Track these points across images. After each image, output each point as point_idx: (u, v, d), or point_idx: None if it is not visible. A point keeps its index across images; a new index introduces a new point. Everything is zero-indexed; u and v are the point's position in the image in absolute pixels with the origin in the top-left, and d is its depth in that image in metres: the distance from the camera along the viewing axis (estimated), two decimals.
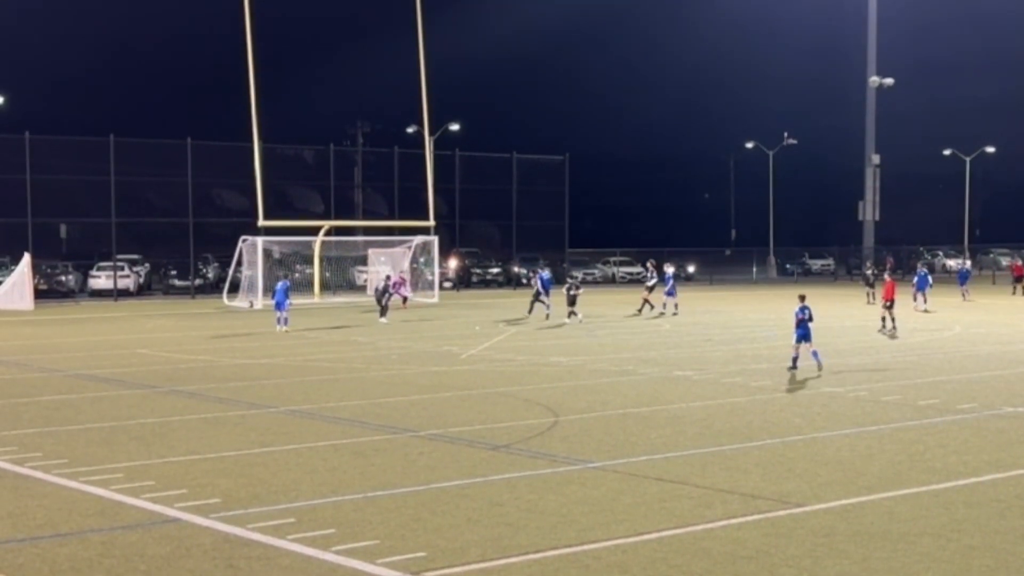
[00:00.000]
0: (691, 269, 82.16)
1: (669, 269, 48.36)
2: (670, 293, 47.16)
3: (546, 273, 47.48)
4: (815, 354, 27.82)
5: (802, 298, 28.23)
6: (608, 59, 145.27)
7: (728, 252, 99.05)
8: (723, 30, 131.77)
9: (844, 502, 14.88)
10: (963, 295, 55.49)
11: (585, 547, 12.87)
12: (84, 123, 76.92)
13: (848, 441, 19.16)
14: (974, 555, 12.61)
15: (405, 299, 52.29)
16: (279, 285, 40.97)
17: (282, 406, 23.07)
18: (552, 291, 46.39)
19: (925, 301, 48.42)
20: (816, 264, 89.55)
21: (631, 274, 78.84)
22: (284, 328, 39.42)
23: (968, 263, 61.97)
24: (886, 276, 44.41)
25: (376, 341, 36.37)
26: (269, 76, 64.68)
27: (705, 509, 14.57)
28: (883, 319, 40.03)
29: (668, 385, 26.02)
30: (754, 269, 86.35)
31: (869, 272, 56.68)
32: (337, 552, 12.65)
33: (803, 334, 27.59)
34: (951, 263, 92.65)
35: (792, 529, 13.63)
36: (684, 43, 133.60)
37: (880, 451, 18.30)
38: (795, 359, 27.88)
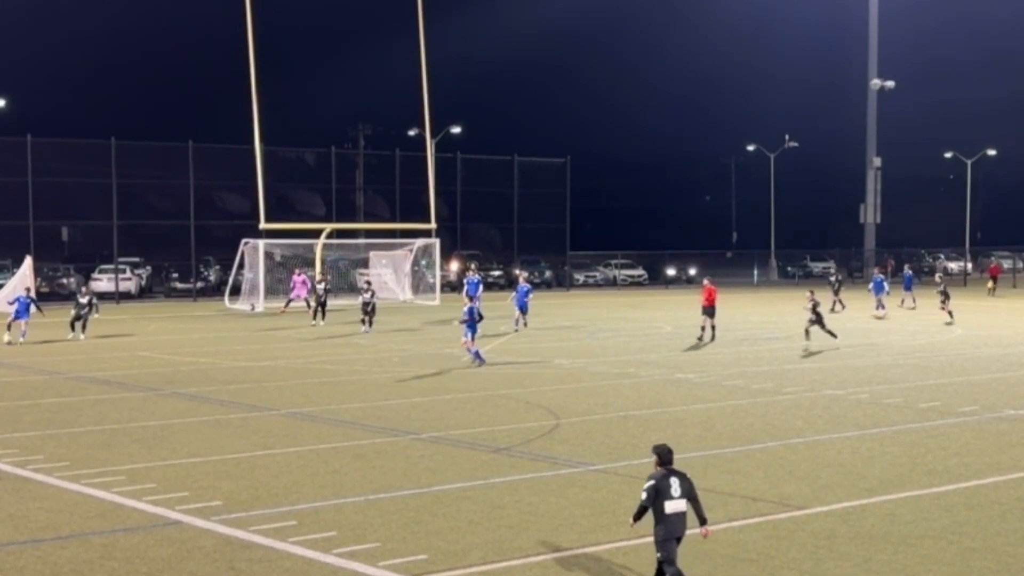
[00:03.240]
0: (692, 271, 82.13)
1: (522, 280, 43.38)
2: (521, 307, 41.86)
3: (476, 277, 46.03)
4: (476, 352, 30.25)
5: (472, 299, 31.62)
6: (609, 62, 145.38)
7: (729, 254, 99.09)
8: (724, 33, 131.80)
9: (845, 505, 14.89)
10: (902, 301, 51.84)
11: (587, 549, 12.88)
12: (86, 125, 76.88)
13: (849, 444, 19.17)
14: (975, 557, 12.62)
15: (289, 302, 50.52)
16: (21, 297, 37.92)
17: (283, 409, 23.08)
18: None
19: (883, 307, 47.25)
20: (817, 266, 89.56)
21: (632, 277, 78.86)
22: (7, 338, 36.37)
23: (910, 270, 58.71)
24: (705, 281, 39.12)
25: (377, 343, 36.39)
26: (270, 78, 64.68)
27: (706, 511, 14.56)
28: (703, 327, 36.72)
29: (669, 387, 26.02)
30: (755, 271, 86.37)
31: (833, 279, 52.74)
32: (338, 554, 12.67)
33: (473, 331, 30.17)
34: (953, 266, 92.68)
35: (793, 532, 13.64)
36: (685, 46, 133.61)
37: (881, 454, 18.31)
38: (476, 353, 30.19)
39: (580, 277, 76.78)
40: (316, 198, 77.66)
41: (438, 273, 60.04)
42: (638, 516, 11.16)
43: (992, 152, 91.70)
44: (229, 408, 23.25)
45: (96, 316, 39.35)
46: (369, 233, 66.12)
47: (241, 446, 19.06)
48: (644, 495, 11.04)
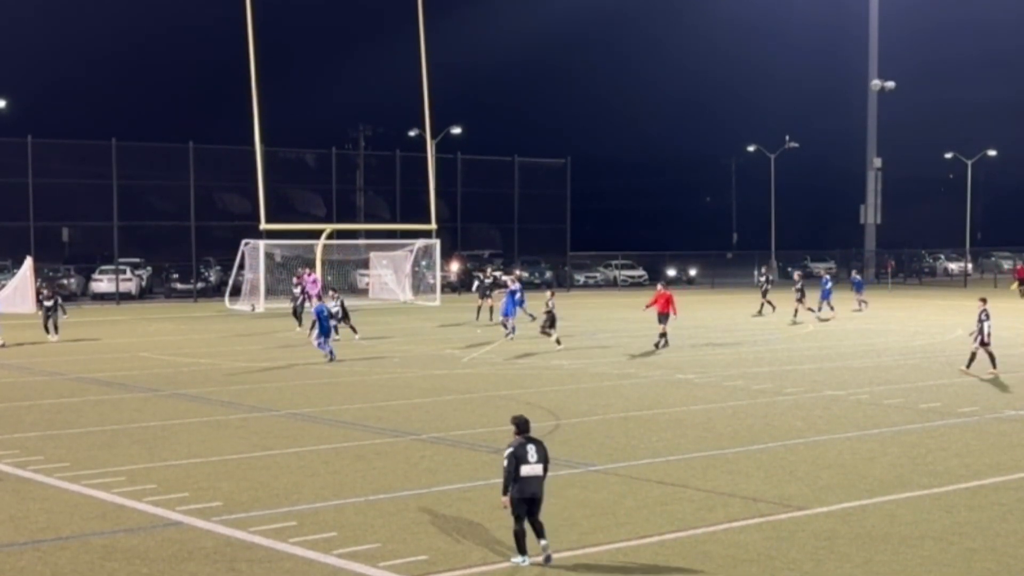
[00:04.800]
0: (692, 272, 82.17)
1: (511, 283, 38.89)
2: (506, 312, 37.68)
3: (517, 284, 41.09)
4: (329, 348, 31.75)
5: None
6: (610, 62, 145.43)
7: (730, 255, 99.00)
8: (725, 33, 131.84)
9: (845, 505, 14.89)
10: (859, 304, 50.59)
11: (587, 550, 12.88)
12: (86, 126, 76.89)
13: (850, 444, 19.17)
14: (976, 558, 12.62)
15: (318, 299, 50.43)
16: None
17: (284, 409, 23.08)
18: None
19: (831, 308, 46.13)
20: (818, 267, 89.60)
21: (632, 277, 78.87)
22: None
23: (858, 274, 57.02)
24: (659, 286, 36.38)
25: (377, 344, 36.38)
26: (271, 79, 64.72)
27: (706, 512, 14.58)
28: (661, 334, 34.56)
29: (669, 388, 26.02)
30: (755, 272, 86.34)
31: (763, 279, 50.42)
32: (339, 555, 12.67)
33: (326, 329, 31.90)
34: (953, 266, 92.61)
35: (793, 532, 13.64)
36: (686, 46, 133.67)
37: (882, 454, 18.31)
38: (321, 346, 31.75)
39: (580, 278, 76.77)
40: (316, 199, 77.65)
41: (438, 274, 60.03)
42: (507, 486, 12.15)
43: (992, 152, 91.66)
44: (229, 409, 23.25)
45: (64, 317, 38.97)
46: (369, 234, 66.14)
47: (241, 447, 19.06)
48: (506, 462, 12.18)
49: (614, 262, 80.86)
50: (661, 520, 14.18)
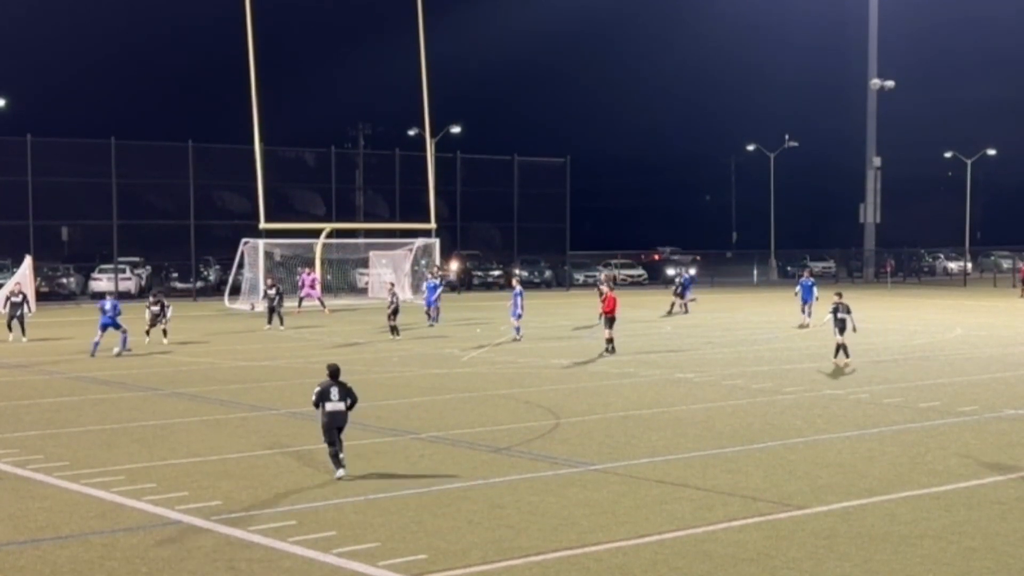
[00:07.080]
0: (692, 271, 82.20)
1: (430, 276, 41.56)
2: (429, 302, 44.02)
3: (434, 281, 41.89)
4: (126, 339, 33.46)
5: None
6: (609, 61, 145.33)
7: (729, 254, 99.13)
8: (724, 32, 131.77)
9: (845, 504, 14.89)
10: (685, 305, 49.41)
11: (586, 549, 12.88)
12: (85, 125, 76.86)
13: (849, 443, 19.17)
14: (975, 557, 12.62)
15: (301, 301, 50.49)
16: None
17: (283, 408, 23.08)
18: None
19: (810, 314, 43.06)
20: (817, 266, 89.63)
21: (631, 277, 78.88)
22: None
23: (690, 271, 56.55)
24: (604, 288, 35.11)
25: (376, 343, 36.40)
26: (270, 78, 64.73)
27: (706, 511, 14.58)
28: (610, 339, 32.94)
29: (669, 387, 26.02)
30: (755, 271, 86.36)
31: (678, 279, 50.31)
32: (338, 554, 12.66)
33: (108, 322, 33.05)
34: (952, 265, 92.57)
35: (793, 531, 13.64)
36: (685, 45, 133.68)
37: (881, 453, 18.31)
38: (96, 343, 33.02)
39: (580, 277, 76.81)
40: (316, 198, 77.67)
41: (438, 273, 60.04)
42: (316, 406, 16.18)
43: (992, 152, 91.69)
44: (229, 408, 23.25)
45: (29, 316, 38.89)
46: (369, 233, 66.14)
47: (241, 446, 19.06)
48: (314, 397, 16.19)
49: (614, 261, 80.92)
50: (660, 519, 14.19)
